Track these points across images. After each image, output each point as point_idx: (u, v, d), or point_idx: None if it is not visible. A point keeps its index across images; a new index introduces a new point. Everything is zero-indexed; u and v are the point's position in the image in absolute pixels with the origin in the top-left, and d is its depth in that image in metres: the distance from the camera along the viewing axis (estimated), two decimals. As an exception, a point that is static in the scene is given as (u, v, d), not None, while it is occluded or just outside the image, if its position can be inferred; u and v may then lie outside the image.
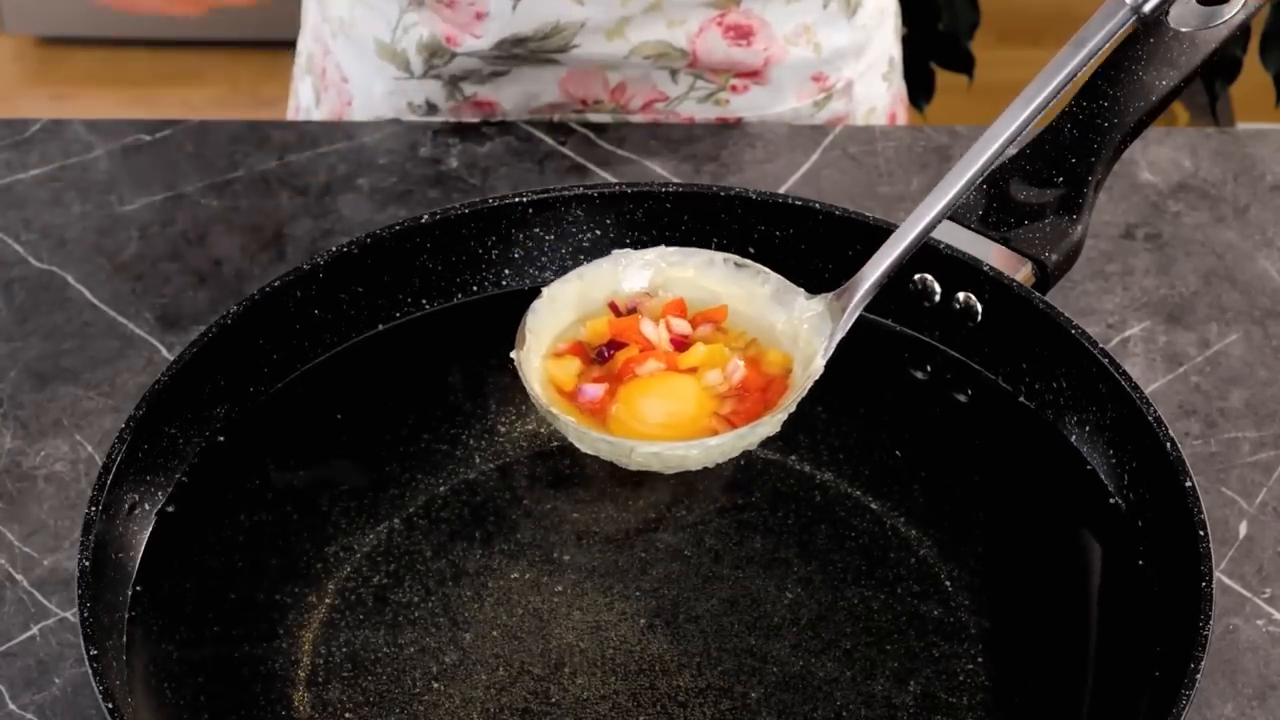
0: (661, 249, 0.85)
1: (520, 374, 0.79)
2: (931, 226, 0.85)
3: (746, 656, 0.84)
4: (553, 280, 0.84)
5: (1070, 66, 0.87)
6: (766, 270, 0.84)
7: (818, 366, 0.80)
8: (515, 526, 0.89)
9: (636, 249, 0.85)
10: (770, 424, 0.79)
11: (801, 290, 0.83)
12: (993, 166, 0.86)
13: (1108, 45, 0.89)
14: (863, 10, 1.21)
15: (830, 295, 0.83)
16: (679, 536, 0.89)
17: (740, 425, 0.79)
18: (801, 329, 0.82)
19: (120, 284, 1.06)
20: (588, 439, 0.78)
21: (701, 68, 1.18)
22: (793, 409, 0.79)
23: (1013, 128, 0.86)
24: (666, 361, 0.81)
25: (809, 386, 0.80)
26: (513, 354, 0.80)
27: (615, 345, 0.82)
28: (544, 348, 0.82)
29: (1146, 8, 0.90)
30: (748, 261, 0.84)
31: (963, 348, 0.93)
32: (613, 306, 0.83)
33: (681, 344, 0.82)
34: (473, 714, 0.82)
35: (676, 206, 0.95)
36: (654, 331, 0.82)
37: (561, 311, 0.83)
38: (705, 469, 0.90)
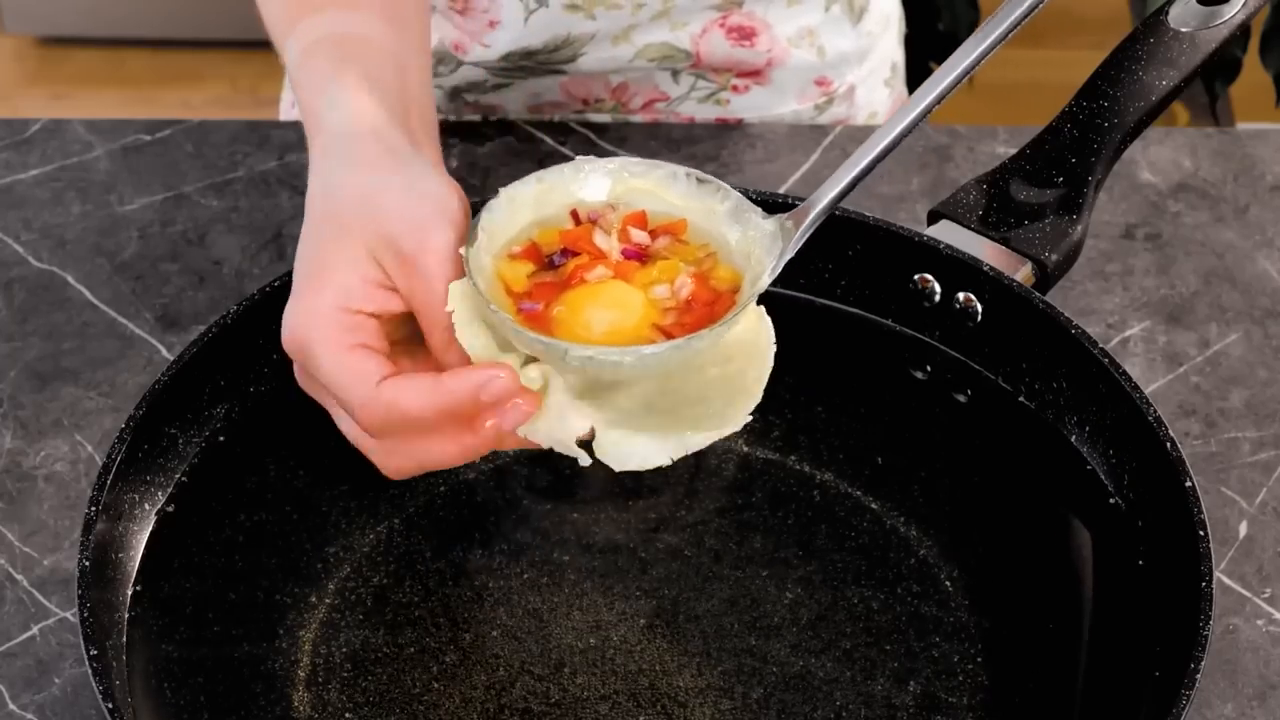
0: (624, 158, 0.83)
1: (466, 269, 0.78)
2: (895, 144, 0.82)
3: (746, 656, 0.84)
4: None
5: None
6: (727, 188, 0.82)
7: (763, 284, 0.79)
8: (515, 526, 0.89)
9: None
10: (709, 337, 0.77)
11: (758, 209, 0.82)
12: (963, 80, 0.83)
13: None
14: (868, 16, 1.21)
15: (785, 216, 0.82)
16: (679, 536, 0.89)
17: (679, 337, 0.78)
18: (754, 249, 0.81)
19: (120, 284, 1.06)
20: (524, 338, 0.77)
21: (704, 68, 1.18)
22: (734, 324, 0.78)
23: (986, 44, 0.84)
24: (616, 271, 0.80)
25: (750, 303, 0.79)
26: (461, 250, 0.78)
27: (569, 253, 0.81)
28: (496, 247, 0.81)
29: None
30: (709, 177, 0.83)
31: (963, 348, 0.93)
32: (574, 215, 0.82)
33: (638, 254, 0.81)
34: (473, 714, 0.82)
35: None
36: (606, 242, 0.81)
37: (519, 213, 0.81)
38: (704, 469, 0.90)
